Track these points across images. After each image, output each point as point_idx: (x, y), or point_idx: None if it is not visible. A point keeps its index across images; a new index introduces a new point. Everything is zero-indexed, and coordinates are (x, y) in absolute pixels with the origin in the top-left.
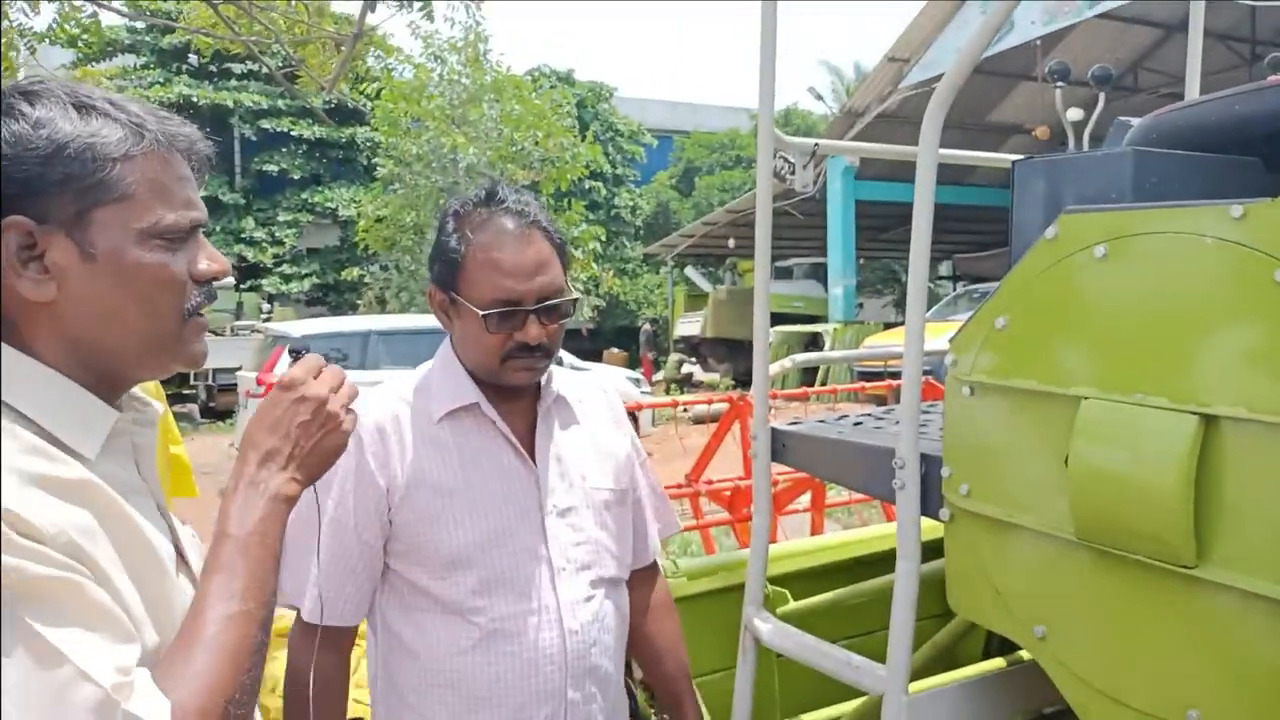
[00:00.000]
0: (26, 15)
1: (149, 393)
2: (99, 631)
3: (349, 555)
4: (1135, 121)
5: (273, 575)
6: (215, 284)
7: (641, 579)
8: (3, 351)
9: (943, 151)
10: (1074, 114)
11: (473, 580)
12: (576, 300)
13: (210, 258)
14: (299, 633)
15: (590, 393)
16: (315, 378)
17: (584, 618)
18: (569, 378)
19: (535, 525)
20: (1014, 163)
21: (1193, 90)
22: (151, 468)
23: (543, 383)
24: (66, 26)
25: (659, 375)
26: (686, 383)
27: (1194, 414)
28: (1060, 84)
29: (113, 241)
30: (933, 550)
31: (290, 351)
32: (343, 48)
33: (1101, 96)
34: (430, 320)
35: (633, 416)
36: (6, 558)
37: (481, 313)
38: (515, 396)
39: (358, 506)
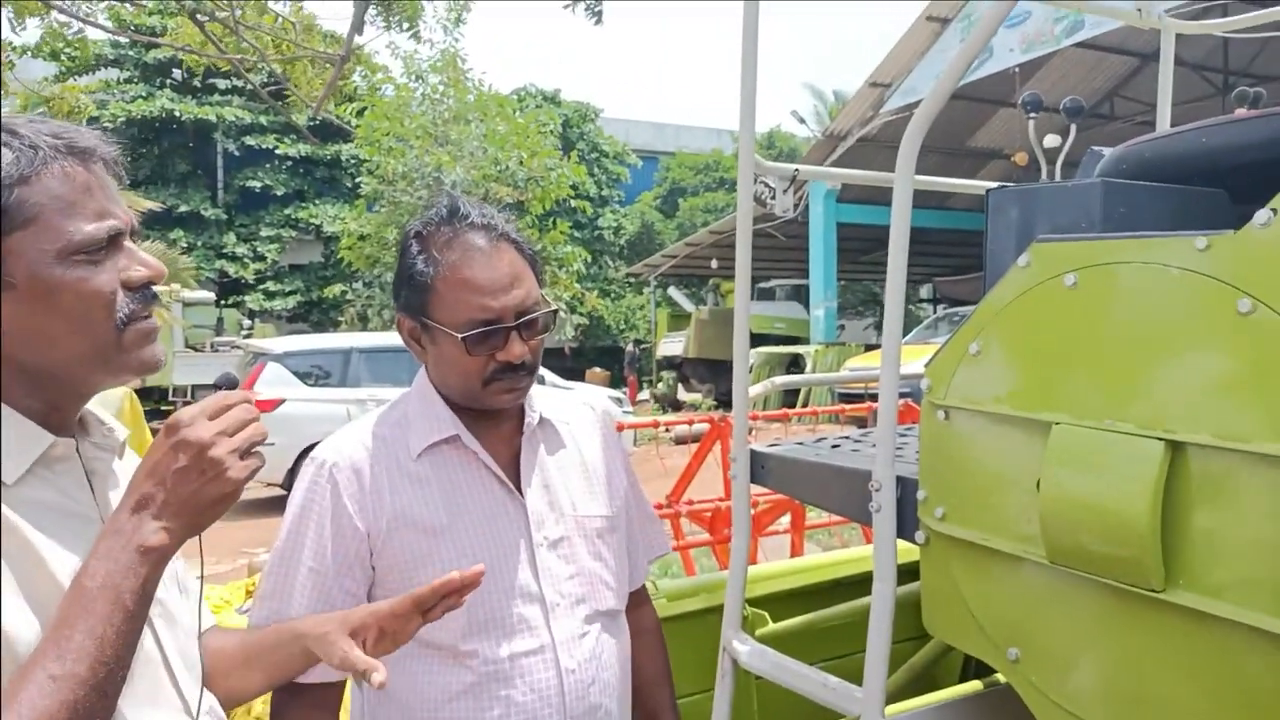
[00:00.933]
0: (14, 30)
1: (124, 413)
2: None
3: (332, 606)
4: (1107, 151)
5: (122, 634)
6: (153, 287)
7: (631, 604)
8: None
9: (919, 178)
10: (1050, 141)
11: (463, 622)
12: (556, 312)
13: (141, 263)
14: (285, 691)
15: (577, 413)
16: (211, 418)
17: (581, 655)
18: (553, 398)
19: (526, 559)
20: (988, 191)
21: (1163, 121)
22: (106, 492)
23: (526, 406)
24: (52, 43)
25: (644, 395)
26: (674, 404)
27: (1161, 440)
28: (1033, 115)
29: (30, 268)
30: (910, 573)
31: (214, 385)
32: (330, 66)
33: (1073, 127)
34: None
35: None
36: None
37: (460, 335)
38: (497, 424)
39: (336, 553)
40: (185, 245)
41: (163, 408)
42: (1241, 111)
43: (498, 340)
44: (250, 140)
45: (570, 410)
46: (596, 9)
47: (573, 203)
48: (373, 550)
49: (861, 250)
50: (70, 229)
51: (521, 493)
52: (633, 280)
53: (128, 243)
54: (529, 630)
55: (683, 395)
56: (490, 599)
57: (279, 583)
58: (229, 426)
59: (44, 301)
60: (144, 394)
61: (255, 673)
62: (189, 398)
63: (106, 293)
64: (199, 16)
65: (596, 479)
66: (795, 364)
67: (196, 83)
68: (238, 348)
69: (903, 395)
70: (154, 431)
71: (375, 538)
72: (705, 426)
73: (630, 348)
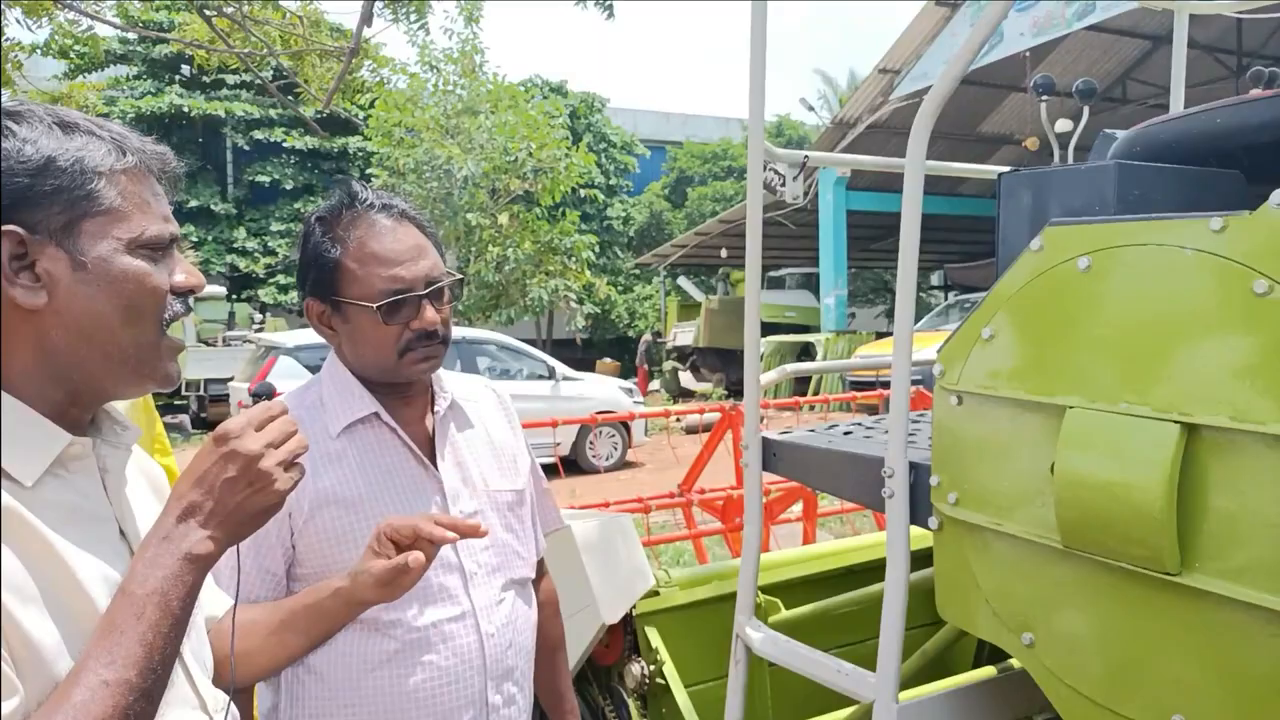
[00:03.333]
0: (30, 29)
1: (138, 406)
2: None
3: (250, 587)
4: (1120, 134)
5: (169, 641)
6: (191, 297)
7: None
8: None
9: (930, 163)
10: (1062, 125)
11: None
12: (463, 280)
13: (187, 271)
14: None
15: (480, 393)
16: (258, 429)
17: (499, 620)
18: (457, 380)
19: None
20: (1000, 175)
21: (1177, 102)
22: (120, 490)
23: (436, 388)
24: (61, 40)
25: (654, 385)
26: (684, 394)
27: (1177, 423)
28: (1045, 98)
29: (101, 250)
30: (923, 559)
31: (252, 395)
32: (339, 60)
33: (1086, 110)
34: None
35: (625, 426)
36: None
37: (374, 305)
38: (411, 403)
39: (256, 535)
40: (195, 240)
41: (175, 402)
42: (1256, 92)
43: (410, 309)
44: (259, 134)
45: (473, 390)
46: (607, 3)
47: (583, 192)
48: (293, 530)
49: (872, 238)
50: (143, 223)
51: (437, 468)
52: (642, 270)
53: (176, 251)
54: (450, 598)
55: (693, 385)
56: None
57: None
58: (275, 438)
59: (108, 285)
60: None
61: (295, 635)
62: (201, 392)
63: (162, 289)
64: (206, 11)
65: (504, 456)
66: (806, 352)
67: (205, 78)
68: (249, 342)
69: (914, 382)
70: (166, 426)
71: (297, 518)
72: (716, 416)
73: (647, 336)
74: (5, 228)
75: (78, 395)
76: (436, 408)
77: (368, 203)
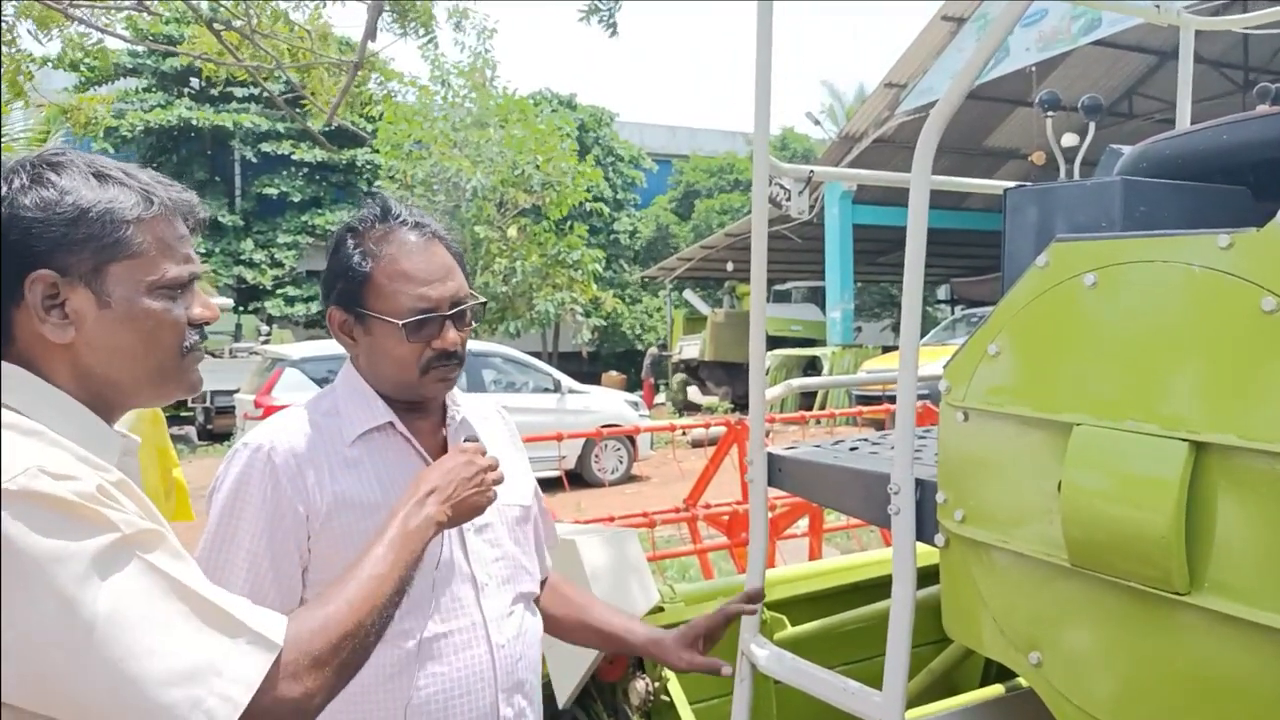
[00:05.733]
0: (40, 42)
1: (144, 418)
2: (192, 566)
3: (263, 590)
4: (1126, 149)
5: (410, 568)
6: (206, 327)
7: (548, 587)
8: (34, 383)
9: (936, 178)
10: (1068, 140)
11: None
12: (485, 303)
13: (204, 305)
14: None
15: (489, 413)
16: (483, 455)
17: (509, 632)
18: (467, 399)
19: (457, 542)
20: (1005, 191)
21: (1183, 118)
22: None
23: (449, 403)
24: (72, 53)
25: (661, 398)
26: (690, 407)
27: (1184, 441)
28: (1051, 113)
29: (125, 292)
30: (930, 576)
31: (467, 439)
32: (347, 73)
33: (1092, 125)
34: None
35: (631, 440)
36: (114, 514)
37: (400, 322)
38: (424, 418)
39: (275, 535)
40: (203, 252)
41: (181, 414)
42: (1263, 108)
43: (434, 328)
44: (267, 147)
45: (484, 410)
46: (611, 21)
47: (589, 206)
48: (310, 533)
49: (878, 252)
50: (164, 267)
51: None
52: (648, 283)
53: (195, 286)
54: (461, 608)
55: (698, 398)
56: (424, 578)
57: (215, 567)
58: (493, 463)
59: (131, 323)
60: None
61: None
62: (207, 403)
63: (181, 324)
64: (215, 25)
65: (511, 472)
66: (812, 366)
67: (214, 91)
68: (256, 353)
69: (921, 397)
70: (172, 438)
71: (314, 520)
72: (722, 430)
73: (653, 349)
74: (41, 271)
75: (107, 405)
76: (449, 423)
77: (401, 219)
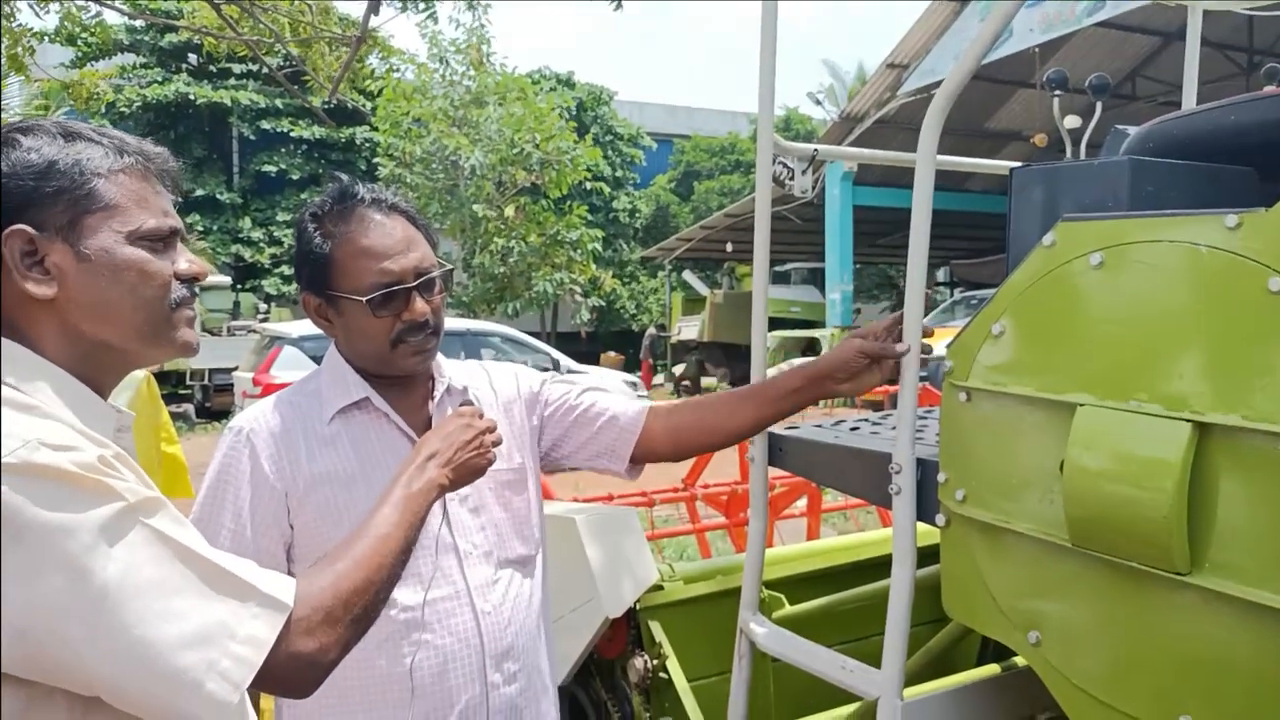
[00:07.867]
0: (38, 15)
1: (142, 394)
2: (195, 533)
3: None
4: (1132, 130)
5: (414, 530)
6: (196, 284)
7: (653, 415)
8: (28, 357)
9: (941, 158)
10: (1071, 121)
11: None
12: (451, 271)
13: (189, 260)
14: None
15: (474, 375)
16: (480, 419)
17: (495, 599)
18: (457, 367)
19: (438, 513)
20: (1011, 170)
21: (1189, 99)
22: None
23: (435, 374)
24: (70, 27)
25: (659, 379)
26: (691, 385)
27: (1188, 421)
28: (1058, 93)
29: (102, 243)
30: (929, 555)
31: (463, 404)
32: (347, 49)
33: (1098, 105)
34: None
35: None
36: (117, 483)
37: (364, 298)
38: (408, 392)
39: (255, 514)
40: (201, 230)
41: (179, 391)
42: (1271, 89)
43: (400, 301)
44: (265, 124)
45: (470, 374)
46: None
47: (589, 185)
48: (290, 509)
49: (878, 233)
50: (141, 217)
51: None
52: (647, 264)
53: (180, 244)
54: (444, 578)
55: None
56: None
57: None
58: (491, 425)
59: (112, 275)
60: (161, 378)
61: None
62: (206, 381)
63: (165, 275)
64: None
65: (504, 434)
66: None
67: (212, 67)
68: (254, 332)
69: (921, 378)
70: (171, 415)
71: (293, 497)
72: None
73: (651, 330)
74: (15, 227)
75: (103, 369)
76: (433, 396)
77: (358, 197)
